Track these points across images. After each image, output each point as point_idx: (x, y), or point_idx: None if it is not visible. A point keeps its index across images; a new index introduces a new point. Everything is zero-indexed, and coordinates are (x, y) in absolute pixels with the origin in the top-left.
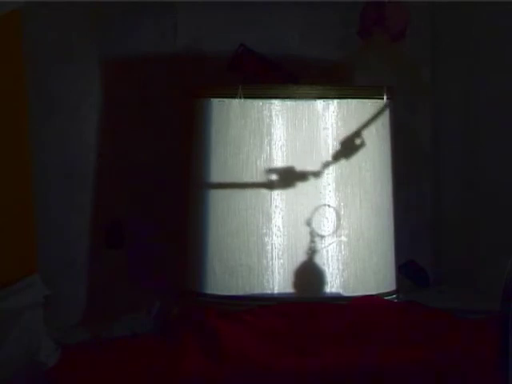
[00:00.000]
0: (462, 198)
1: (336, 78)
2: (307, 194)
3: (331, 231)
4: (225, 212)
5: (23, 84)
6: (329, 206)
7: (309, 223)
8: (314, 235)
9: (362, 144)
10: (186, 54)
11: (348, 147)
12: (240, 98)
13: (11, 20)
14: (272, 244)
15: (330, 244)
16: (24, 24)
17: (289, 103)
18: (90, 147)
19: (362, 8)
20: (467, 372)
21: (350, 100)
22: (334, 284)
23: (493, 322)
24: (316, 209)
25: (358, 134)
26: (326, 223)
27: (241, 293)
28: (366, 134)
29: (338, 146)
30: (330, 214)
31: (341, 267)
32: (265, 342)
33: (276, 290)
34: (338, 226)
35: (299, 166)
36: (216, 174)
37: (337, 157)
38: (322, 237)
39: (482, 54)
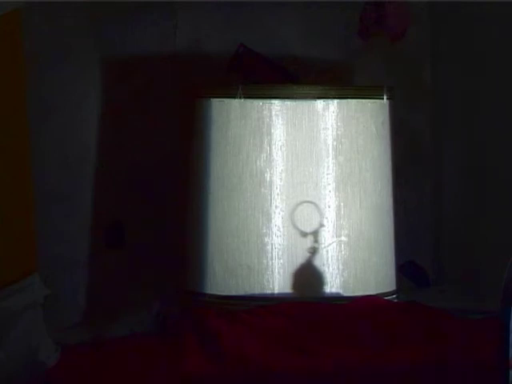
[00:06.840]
0: (462, 198)
1: (336, 78)
2: (307, 193)
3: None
4: (225, 212)
5: (23, 84)
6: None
7: (292, 221)
8: (315, 235)
9: None
10: (186, 54)
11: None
12: (240, 97)
13: (11, 20)
14: (272, 244)
15: (329, 244)
16: (24, 24)
17: (289, 103)
18: (90, 147)
19: (362, 8)
20: (467, 372)
21: (350, 100)
22: (333, 284)
23: (493, 322)
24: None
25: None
26: (326, 223)
27: (241, 293)
28: (366, 133)
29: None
30: (330, 214)
31: (341, 267)
32: (265, 341)
33: (276, 290)
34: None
35: (299, 166)
36: (216, 174)
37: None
38: (306, 234)
39: (481, 54)
